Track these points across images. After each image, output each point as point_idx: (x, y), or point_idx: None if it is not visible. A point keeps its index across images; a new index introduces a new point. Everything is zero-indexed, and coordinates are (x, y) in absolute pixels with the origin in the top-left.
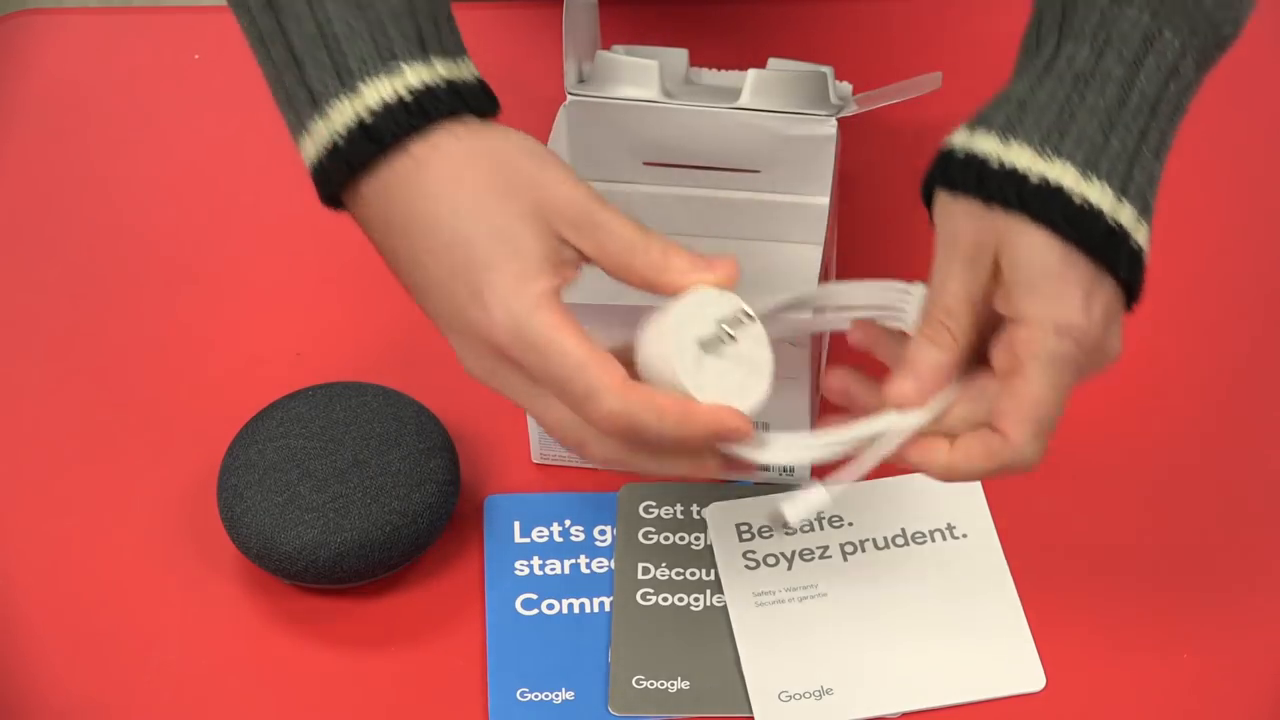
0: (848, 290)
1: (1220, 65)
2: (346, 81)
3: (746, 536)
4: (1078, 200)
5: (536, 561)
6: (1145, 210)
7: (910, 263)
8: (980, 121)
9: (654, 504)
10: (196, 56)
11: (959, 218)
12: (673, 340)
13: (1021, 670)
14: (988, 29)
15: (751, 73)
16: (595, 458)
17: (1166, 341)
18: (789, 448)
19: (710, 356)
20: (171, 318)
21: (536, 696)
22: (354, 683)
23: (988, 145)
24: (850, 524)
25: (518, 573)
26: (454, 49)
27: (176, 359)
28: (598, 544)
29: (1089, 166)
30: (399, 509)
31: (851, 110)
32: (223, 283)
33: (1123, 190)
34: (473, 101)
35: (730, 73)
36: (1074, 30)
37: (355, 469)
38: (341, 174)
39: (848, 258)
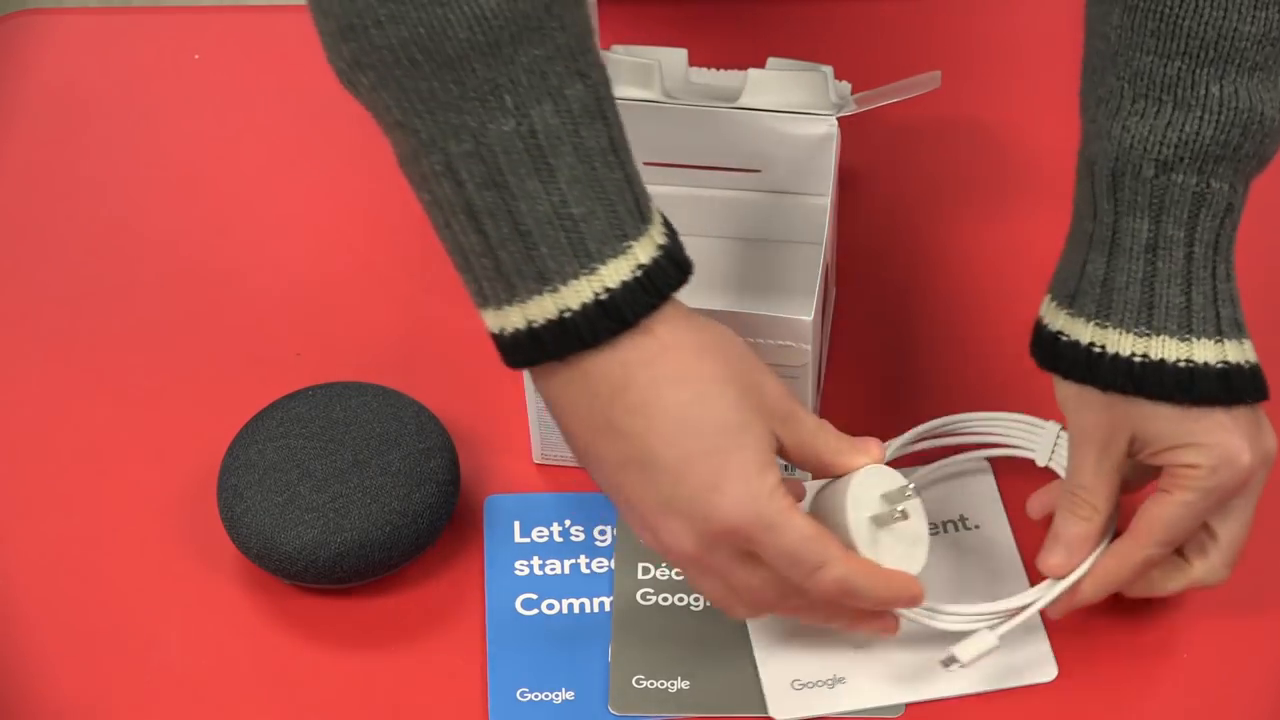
0: (978, 421)
1: None
2: (584, 263)
3: None
4: (1183, 366)
5: (536, 561)
6: (1240, 330)
7: (910, 262)
8: (1073, 305)
9: None
10: (196, 56)
11: (1083, 410)
12: (850, 519)
13: (1034, 661)
14: (987, 29)
15: (751, 72)
16: (777, 613)
17: None
18: (961, 616)
19: (882, 531)
20: (171, 318)
21: (536, 696)
22: (354, 683)
23: (1086, 333)
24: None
25: (518, 573)
26: (651, 210)
27: (176, 359)
28: (598, 544)
29: (1184, 329)
30: (399, 509)
31: (851, 109)
32: (223, 283)
33: (1219, 332)
34: (683, 268)
35: (729, 72)
36: (1127, 203)
37: (355, 469)
38: (562, 347)
39: (847, 257)
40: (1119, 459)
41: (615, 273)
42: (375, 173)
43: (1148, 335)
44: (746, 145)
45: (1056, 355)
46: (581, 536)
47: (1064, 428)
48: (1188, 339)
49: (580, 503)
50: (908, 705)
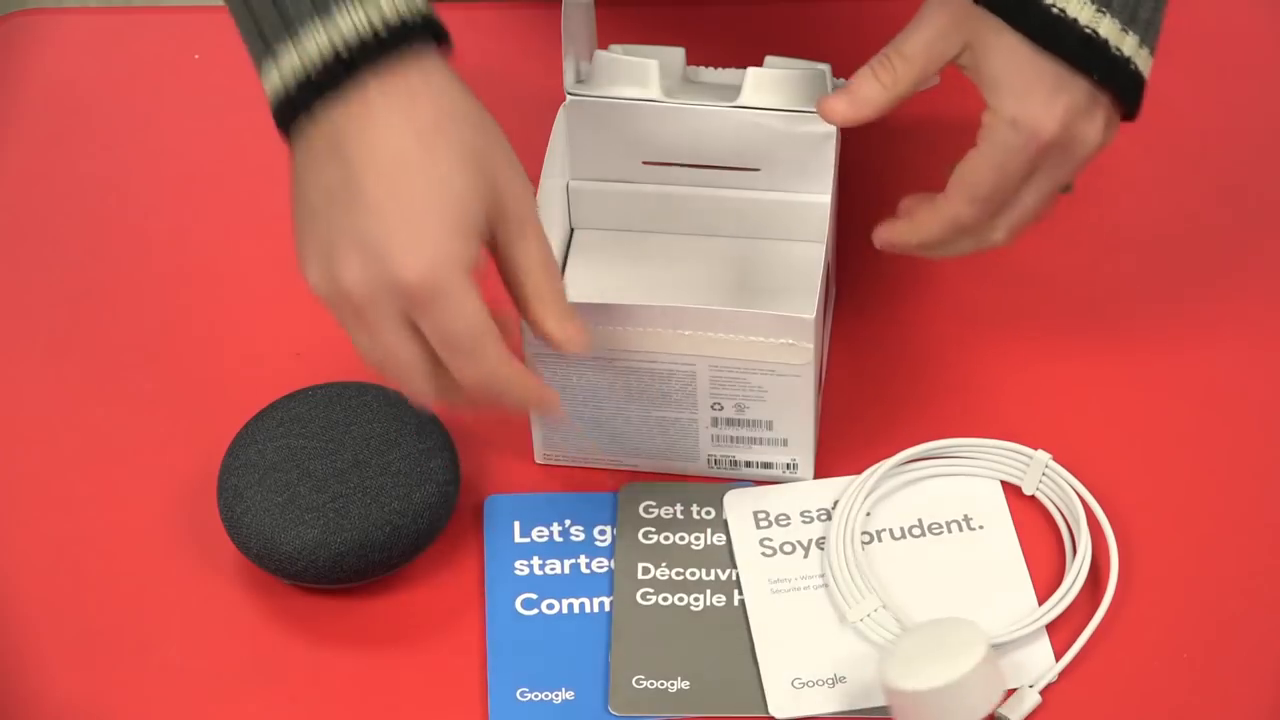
0: (966, 447)
1: (1219, 65)
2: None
3: (763, 524)
4: (1055, 10)
5: (536, 561)
6: (1132, 21)
7: (910, 263)
8: None
9: (654, 504)
10: (196, 56)
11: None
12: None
13: (1033, 661)
14: None
15: (750, 71)
16: (416, 388)
17: (1176, 351)
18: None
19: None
20: (171, 318)
21: (536, 696)
22: (354, 683)
23: None
24: (868, 514)
25: (518, 573)
26: None
27: (176, 359)
28: (598, 544)
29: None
30: (399, 509)
31: None
32: (223, 283)
33: (1106, 3)
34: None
35: (729, 70)
36: None
37: (355, 469)
38: (333, 76)
39: (847, 257)
40: (946, 53)
41: (350, 20)
42: None
43: None
44: (746, 145)
45: None
46: (581, 536)
47: (1053, 458)
48: (1101, 11)
49: (580, 503)
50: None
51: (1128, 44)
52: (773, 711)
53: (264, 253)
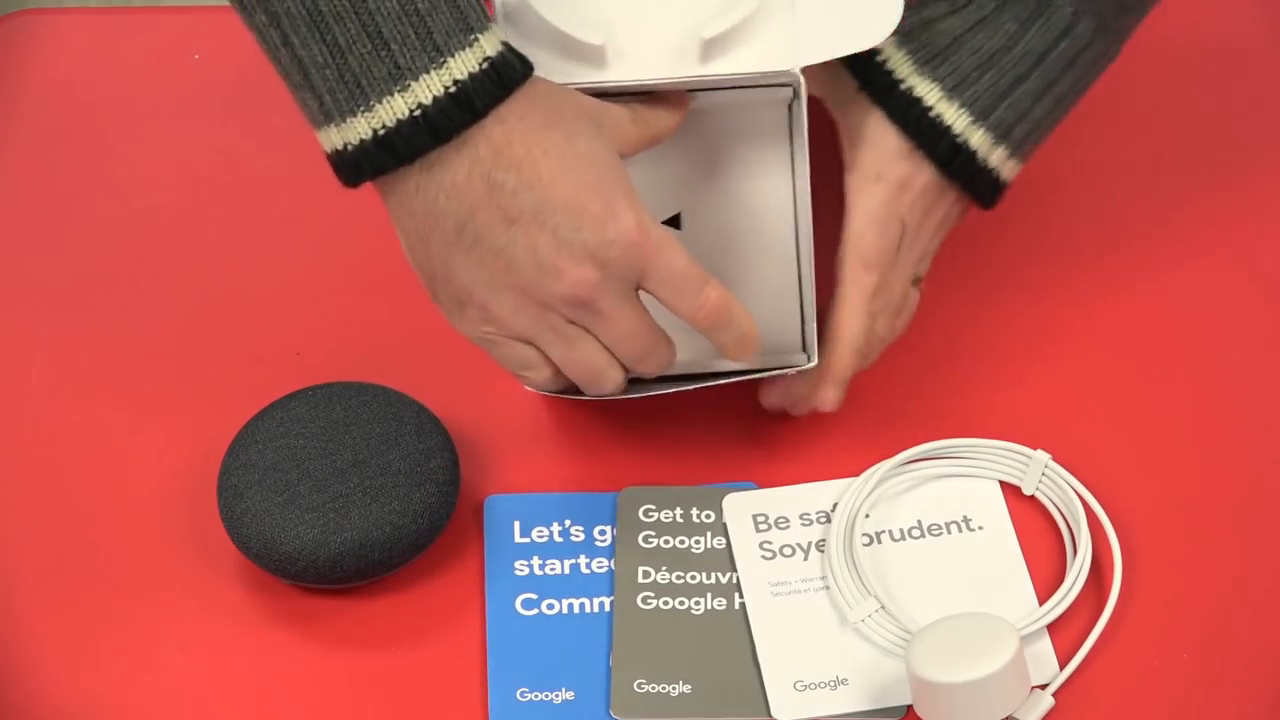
0: (966, 448)
1: (1218, 64)
2: (433, 57)
3: (763, 527)
4: (931, 114)
5: (536, 561)
6: (1005, 138)
7: None
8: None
9: (654, 507)
10: (196, 56)
11: (838, 80)
12: None
13: (1035, 661)
14: None
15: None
16: (655, 361)
17: (1176, 351)
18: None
19: None
20: (171, 318)
21: (536, 696)
22: (354, 683)
23: (886, 44)
24: (867, 516)
25: (518, 573)
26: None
27: (176, 359)
28: (598, 544)
29: (954, 93)
30: (399, 509)
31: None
32: (223, 283)
33: (982, 117)
34: (526, 62)
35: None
36: None
37: (355, 469)
38: (413, 146)
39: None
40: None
41: (463, 65)
42: None
43: (924, 76)
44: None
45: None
46: (581, 536)
47: (1053, 458)
48: (951, 100)
49: (580, 503)
50: (909, 706)
51: (995, 157)
52: (775, 714)
53: (264, 253)
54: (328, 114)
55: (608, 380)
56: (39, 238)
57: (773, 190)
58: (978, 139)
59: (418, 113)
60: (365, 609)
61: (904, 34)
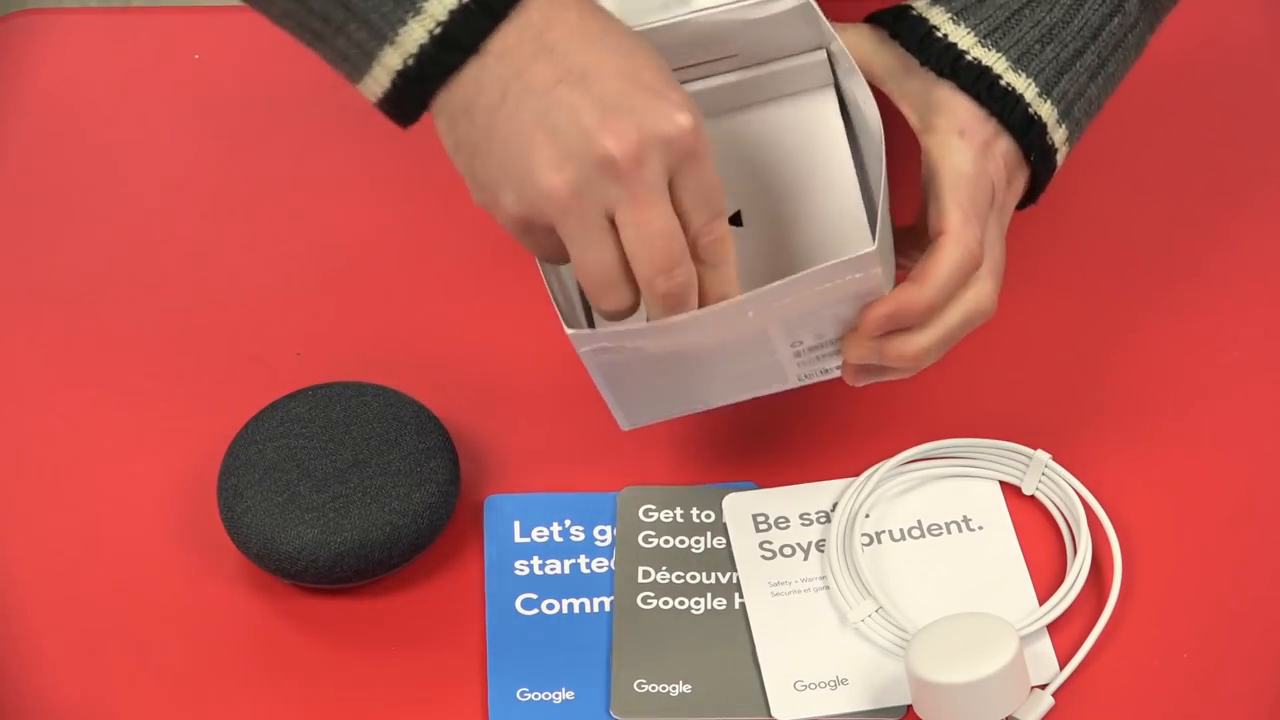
0: (965, 448)
1: (1217, 65)
2: None
3: (763, 527)
4: (1003, 83)
5: (536, 561)
6: (1067, 116)
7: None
8: (941, 0)
9: (654, 507)
10: (196, 56)
11: (889, 54)
12: None
13: (1034, 661)
14: None
15: None
16: (674, 280)
17: (1175, 350)
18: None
19: None
20: (171, 318)
21: (536, 696)
22: (354, 683)
23: (939, 18)
24: (867, 516)
25: (518, 573)
26: None
27: (177, 359)
28: (598, 544)
29: (1019, 64)
30: (399, 509)
31: None
32: (223, 283)
33: (1046, 91)
34: None
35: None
36: None
37: (355, 469)
38: (476, 30)
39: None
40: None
41: None
42: (375, 172)
43: (988, 48)
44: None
45: (898, 21)
46: (581, 536)
47: (1053, 458)
48: (1018, 71)
49: (580, 503)
50: (909, 706)
51: (1059, 136)
52: (775, 714)
53: (264, 253)
54: (379, 33)
55: (616, 297)
56: (39, 238)
57: (827, 139)
58: (1045, 111)
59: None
60: (365, 609)
61: (959, 11)
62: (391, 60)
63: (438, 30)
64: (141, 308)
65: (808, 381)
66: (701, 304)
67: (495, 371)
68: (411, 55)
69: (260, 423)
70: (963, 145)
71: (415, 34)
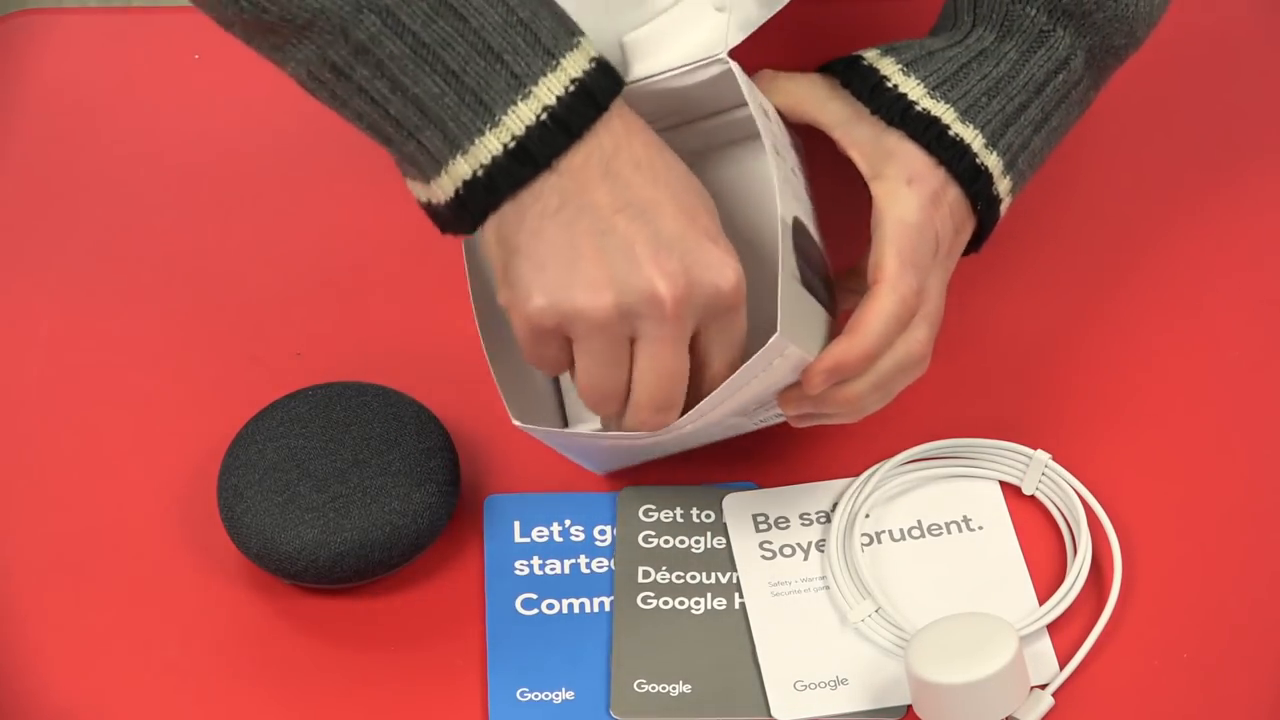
0: (966, 448)
1: (1217, 64)
2: (546, 61)
3: (763, 527)
4: (951, 133)
5: (536, 561)
6: (1011, 167)
7: None
8: (891, 51)
9: (654, 507)
10: (196, 56)
11: (839, 103)
12: None
13: (1034, 661)
14: None
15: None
16: (663, 416)
17: (1175, 350)
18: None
19: None
20: (172, 317)
21: (536, 696)
22: (354, 683)
23: (889, 69)
24: (867, 516)
25: (518, 573)
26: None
27: (176, 359)
28: (598, 544)
29: (967, 115)
30: (399, 509)
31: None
32: (223, 283)
33: (993, 142)
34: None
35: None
36: (983, 16)
37: (355, 469)
38: (547, 147)
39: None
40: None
41: (576, 64)
42: (375, 173)
43: (936, 99)
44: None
45: (850, 71)
46: (581, 536)
47: (1053, 458)
48: (965, 123)
49: (580, 503)
50: (909, 706)
51: (1004, 187)
52: (775, 714)
53: (264, 252)
54: (453, 142)
55: (610, 409)
56: (39, 237)
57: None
58: (992, 162)
59: (544, 116)
60: (365, 609)
61: (909, 63)
62: (461, 169)
63: (513, 144)
64: (141, 307)
65: (763, 426)
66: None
67: None
68: (483, 166)
69: (260, 423)
70: (909, 194)
71: (490, 145)
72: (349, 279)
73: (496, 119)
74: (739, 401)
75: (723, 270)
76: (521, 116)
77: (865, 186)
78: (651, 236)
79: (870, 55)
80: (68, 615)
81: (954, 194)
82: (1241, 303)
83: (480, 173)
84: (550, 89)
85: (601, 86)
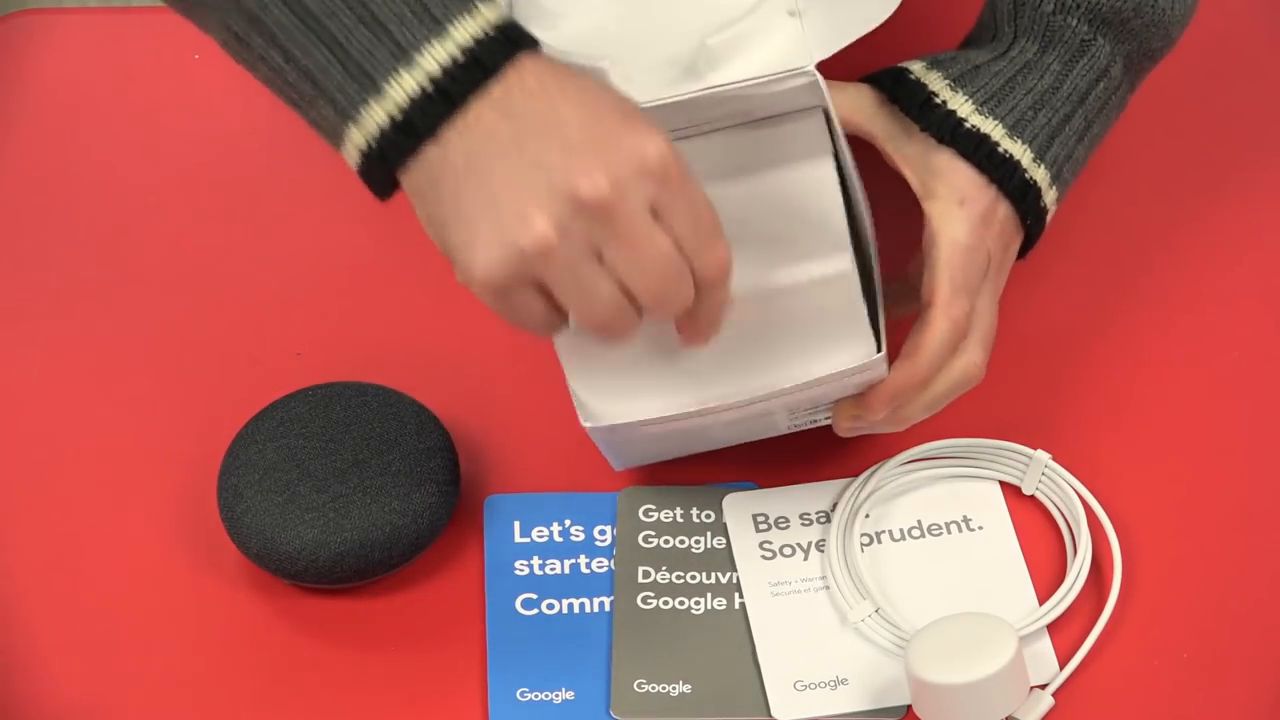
0: (966, 448)
1: (1217, 64)
2: (443, 23)
3: (763, 527)
4: (1001, 150)
5: (536, 561)
6: (1058, 179)
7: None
8: (937, 65)
9: (654, 507)
10: (196, 56)
11: (887, 117)
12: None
13: (1034, 661)
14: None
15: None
16: (680, 300)
17: (1175, 350)
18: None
19: None
20: (171, 318)
21: (536, 696)
22: (354, 683)
23: (937, 84)
24: (867, 516)
25: (518, 572)
26: None
27: (176, 359)
28: (598, 544)
29: (1015, 130)
30: (399, 509)
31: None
32: (223, 283)
33: (1040, 156)
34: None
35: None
36: (1025, 28)
37: (355, 469)
38: (468, 84)
39: None
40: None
41: (465, 31)
42: None
43: (985, 115)
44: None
45: (897, 85)
46: (581, 536)
47: (1053, 458)
48: (1014, 138)
49: (580, 503)
50: (909, 706)
51: (1050, 198)
52: (775, 714)
53: (264, 253)
54: (343, 113)
55: (624, 327)
56: (39, 238)
57: (816, 188)
58: (1040, 175)
59: (428, 85)
60: (365, 609)
61: (956, 78)
62: (356, 139)
63: (399, 115)
64: (141, 308)
65: (796, 430)
66: (692, 327)
67: (495, 371)
68: (374, 137)
69: (260, 423)
70: (962, 215)
71: (377, 116)
72: (349, 279)
73: (381, 89)
74: (808, 396)
75: (642, 145)
76: (405, 86)
77: (902, 191)
78: (561, 147)
79: (917, 69)
80: (68, 615)
81: (1004, 211)
82: (1242, 303)
83: (373, 144)
84: (435, 57)
85: (494, 51)
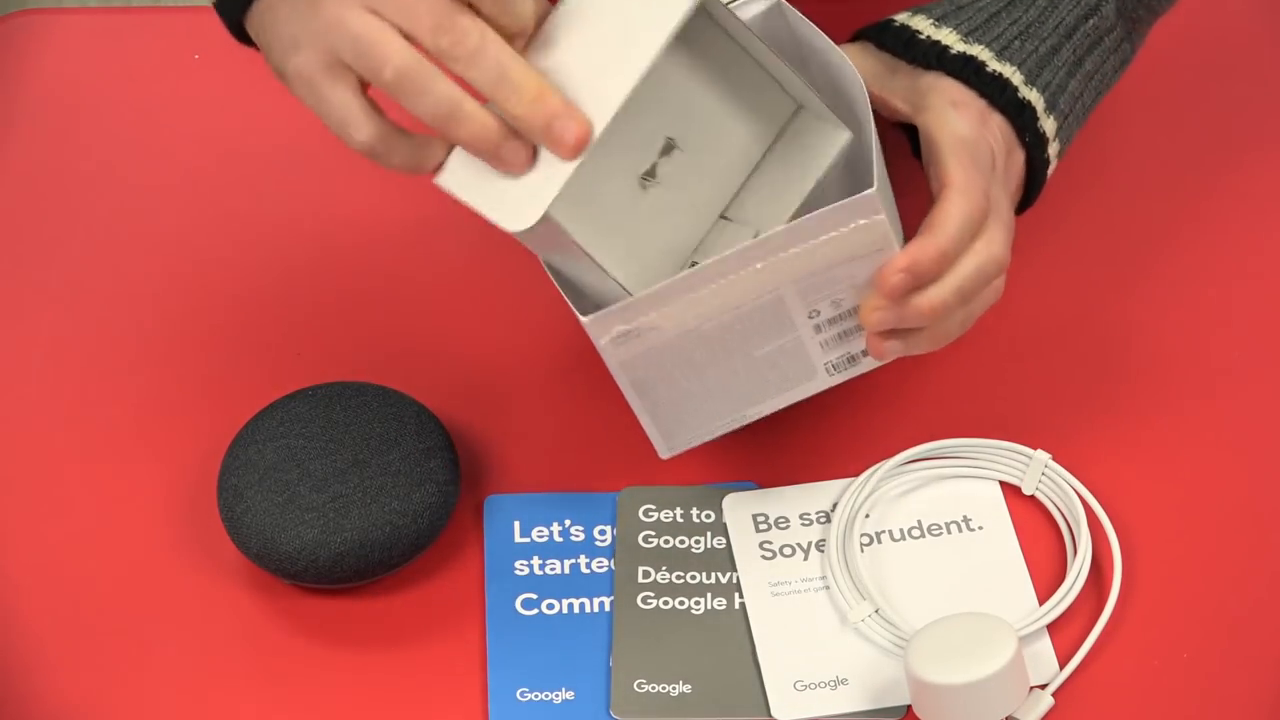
0: (966, 448)
1: (1217, 63)
2: None
3: (763, 527)
4: (990, 69)
5: (536, 561)
6: (1053, 108)
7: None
8: (920, 10)
9: (654, 507)
10: (196, 56)
11: (874, 60)
12: None
13: (1034, 661)
14: None
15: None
16: (459, 34)
17: (1175, 350)
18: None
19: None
20: (171, 317)
21: (536, 696)
22: (354, 683)
23: (921, 24)
24: (867, 516)
25: (518, 572)
26: None
27: (176, 359)
28: (598, 544)
29: (1002, 55)
30: (399, 509)
31: None
32: (223, 282)
33: (1031, 79)
34: None
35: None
36: None
37: (355, 469)
38: None
39: None
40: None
41: None
42: (375, 173)
43: (970, 43)
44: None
45: (883, 33)
46: (581, 536)
47: (1053, 458)
48: (1003, 60)
49: (580, 503)
50: (909, 706)
51: (1049, 126)
52: (775, 714)
53: (264, 253)
54: None
55: (469, 128)
56: (39, 238)
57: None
58: (1034, 97)
59: None
60: (365, 609)
61: (940, 17)
62: None
63: None
64: (141, 307)
65: (837, 377)
66: (501, 47)
67: (495, 371)
68: None
69: (260, 423)
70: (957, 114)
71: None
72: (349, 279)
73: None
74: (809, 269)
75: None
76: None
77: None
78: None
79: (901, 17)
80: (68, 615)
81: (999, 119)
82: (1242, 303)
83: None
84: None
85: None
